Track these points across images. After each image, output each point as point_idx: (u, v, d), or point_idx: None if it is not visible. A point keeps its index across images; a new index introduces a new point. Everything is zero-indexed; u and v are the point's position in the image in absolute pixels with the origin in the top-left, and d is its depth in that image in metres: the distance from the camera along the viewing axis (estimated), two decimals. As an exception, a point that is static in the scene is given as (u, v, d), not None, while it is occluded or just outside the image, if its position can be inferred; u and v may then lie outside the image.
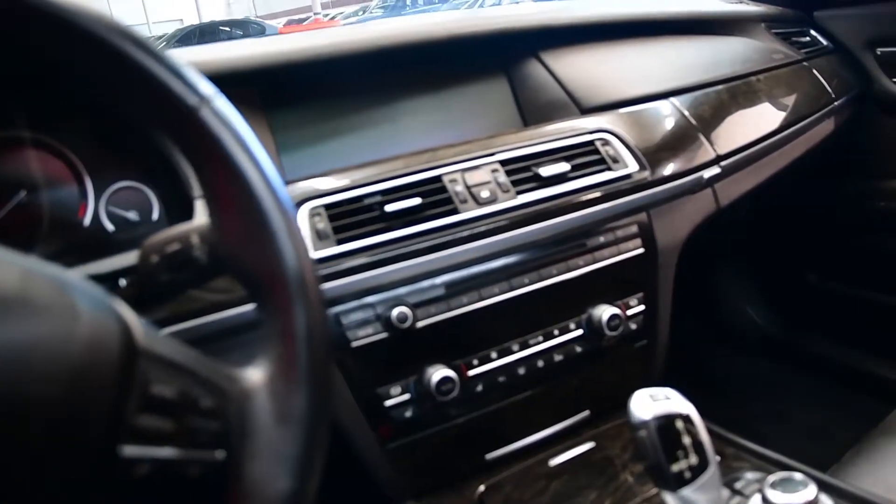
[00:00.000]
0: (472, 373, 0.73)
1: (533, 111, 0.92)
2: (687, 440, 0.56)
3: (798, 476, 0.63)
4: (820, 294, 1.61)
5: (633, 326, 0.84)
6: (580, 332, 0.79)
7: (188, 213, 0.64)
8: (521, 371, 0.76)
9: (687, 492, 0.55)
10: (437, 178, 0.74)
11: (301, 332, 0.42)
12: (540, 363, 0.77)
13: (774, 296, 1.71)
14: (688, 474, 0.55)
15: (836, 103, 1.26)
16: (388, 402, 0.70)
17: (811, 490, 0.62)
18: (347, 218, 0.69)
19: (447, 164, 0.75)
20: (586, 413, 0.83)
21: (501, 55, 0.95)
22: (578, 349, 0.80)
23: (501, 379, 0.75)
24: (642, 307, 0.84)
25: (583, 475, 0.76)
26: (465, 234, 0.72)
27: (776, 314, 1.71)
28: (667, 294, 0.87)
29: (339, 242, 0.68)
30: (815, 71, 1.24)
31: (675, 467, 0.55)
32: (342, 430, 0.71)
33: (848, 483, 0.70)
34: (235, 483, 0.40)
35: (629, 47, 1.01)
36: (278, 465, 0.40)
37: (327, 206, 0.69)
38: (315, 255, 0.67)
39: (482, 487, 0.75)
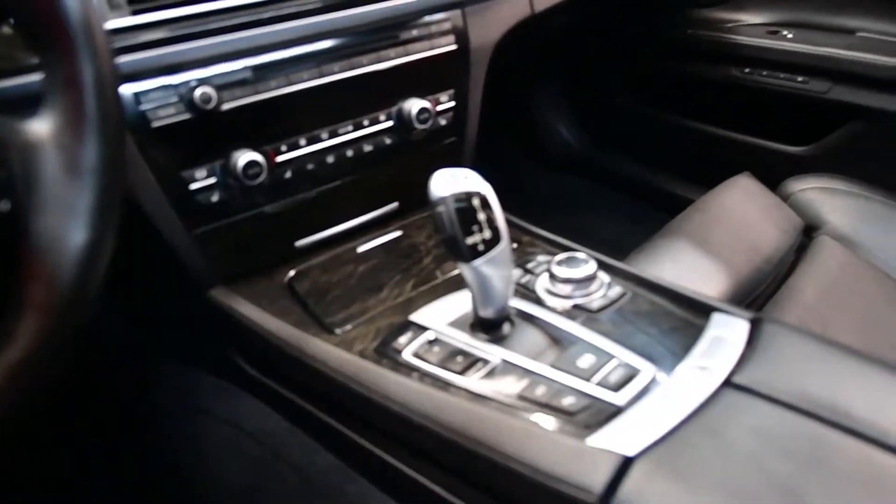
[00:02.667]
0: (279, 159, 0.74)
1: None
2: (482, 216, 0.60)
3: (581, 255, 0.71)
4: (627, 115, 1.73)
5: (443, 122, 0.87)
6: (390, 123, 0.81)
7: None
8: (331, 160, 0.78)
9: (479, 262, 0.60)
10: None
11: (88, 81, 0.40)
12: (349, 153, 0.79)
13: (586, 117, 1.81)
14: (481, 247, 0.60)
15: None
16: (194, 186, 0.70)
17: (591, 266, 0.70)
18: None
19: None
20: (395, 205, 0.87)
21: None
22: (388, 141, 0.82)
23: (310, 167, 0.76)
24: (452, 104, 0.87)
25: (389, 259, 0.80)
26: (274, 14, 0.70)
27: (586, 133, 1.82)
28: (476, 94, 0.90)
29: (135, 13, 0.64)
30: None
31: (470, 240, 0.59)
32: (148, 215, 0.70)
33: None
34: (25, 237, 0.39)
35: None
36: (70, 218, 0.40)
37: None
38: (106, 25, 0.63)
39: (291, 272, 0.78)
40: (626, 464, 0.49)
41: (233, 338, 0.77)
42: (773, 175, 1.28)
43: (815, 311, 0.96)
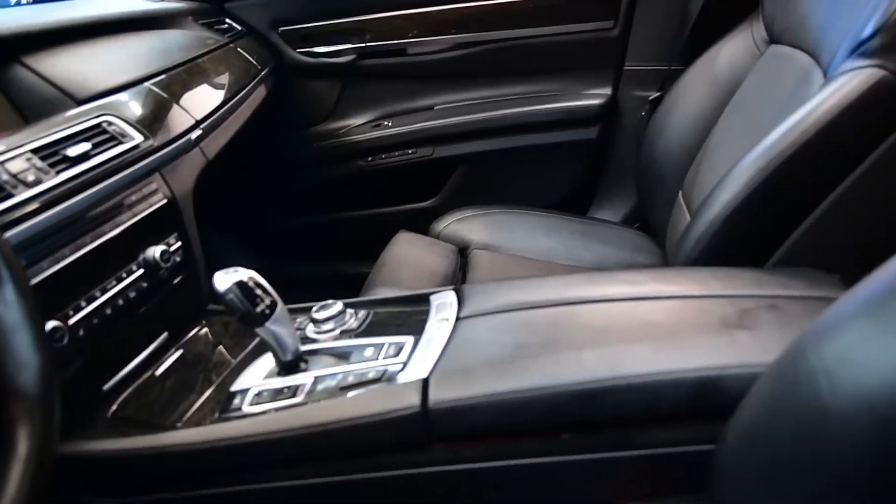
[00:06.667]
0: (71, 321, 0.89)
1: (31, 111, 1.07)
2: (259, 291, 0.84)
3: (329, 302, 0.97)
4: (288, 230, 2.03)
5: (178, 259, 1.08)
6: (143, 270, 1.00)
7: None
8: (108, 311, 0.94)
9: (269, 323, 0.84)
10: None
11: None
12: (120, 301, 0.96)
13: (254, 239, 2.08)
14: (267, 311, 0.84)
15: (262, 73, 1.63)
16: None
17: (339, 306, 0.96)
18: None
19: None
20: (165, 335, 1.04)
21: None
22: (145, 284, 1.01)
23: (95, 321, 0.92)
24: (180, 243, 1.08)
25: (187, 369, 0.98)
26: (26, 212, 0.86)
27: (258, 253, 2.09)
28: (193, 230, 1.13)
29: None
30: (240, 50, 1.59)
31: (258, 309, 0.83)
32: None
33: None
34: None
35: (100, 45, 1.22)
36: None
37: None
38: None
39: (114, 407, 0.92)
40: (426, 382, 0.76)
41: (77, 478, 0.89)
42: (423, 226, 1.66)
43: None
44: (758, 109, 1.26)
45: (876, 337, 0.41)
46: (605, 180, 1.90)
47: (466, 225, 1.63)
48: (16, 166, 0.90)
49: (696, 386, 0.71)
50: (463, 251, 1.56)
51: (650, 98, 1.78)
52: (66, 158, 0.95)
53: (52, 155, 0.94)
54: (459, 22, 1.82)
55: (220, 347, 1.03)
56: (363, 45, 1.86)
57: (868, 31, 0.93)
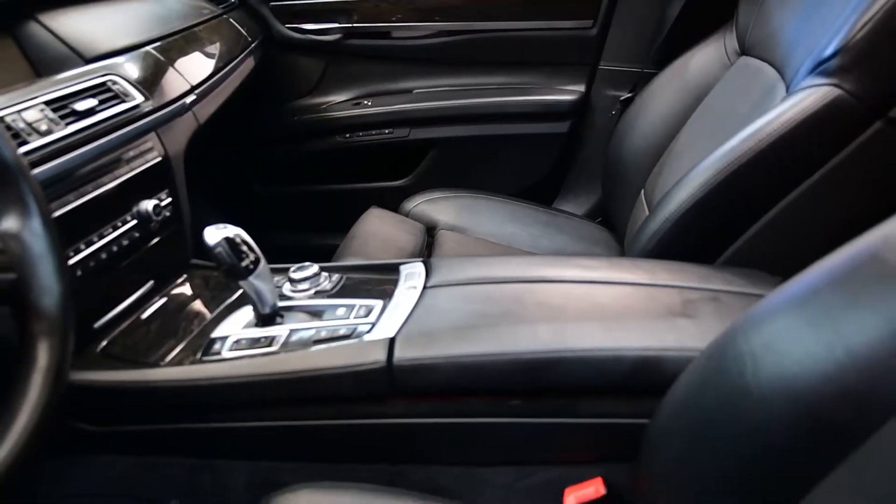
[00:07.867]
0: (71, 262, 0.98)
1: (43, 65, 1.15)
2: (245, 247, 0.94)
3: (307, 263, 1.07)
4: (264, 198, 2.12)
5: (167, 213, 1.17)
6: (136, 221, 1.09)
7: None
8: (103, 256, 1.04)
9: (252, 277, 0.94)
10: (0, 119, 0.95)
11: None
12: (114, 248, 1.05)
13: (232, 204, 2.16)
14: (251, 266, 0.94)
15: (252, 45, 1.71)
16: None
17: (315, 268, 1.07)
18: None
19: (2, 109, 0.96)
20: (151, 282, 1.14)
21: (2, 18, 1.15)
22: (137, 234, 1.10)
23: (92, 263, 1.01)
24: (170, 199, 1.18)
25: (169, 316, 1.08)
26: (41, 156, 0.95)
27: (234, 218, 2.16)
28: (183, 188, 1.22)
29: None
30: (232, 21, 1.67)
31: (244, 264, 0.93)
32: None
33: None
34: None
35: (107, 7, 1.31)
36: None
37: None
38: None
39: (103, 343, 1.01)
40: (392, 341, 0.87)
41: (67, 404, 0.98)
42: (393, 204, 1.76)
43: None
44: (723, 117, 1.38)
45: (798, 328, 0.49)
46: (572, 174, 2.03)
47: (435, 206, 1.73)
48: (31, 116, 0.98)
49: (637, 363, 0.83)
50: (430, 230, 1.67)
51: (622, 98, 1.90)
52: (75, 112, 1.04)
53: (62, 108, 1.03)
54: (444, 10, 1.92)
55: (201, 299, 1.13)
56: (350, 25, 1.95)
57: (829, 51, 1.01)
